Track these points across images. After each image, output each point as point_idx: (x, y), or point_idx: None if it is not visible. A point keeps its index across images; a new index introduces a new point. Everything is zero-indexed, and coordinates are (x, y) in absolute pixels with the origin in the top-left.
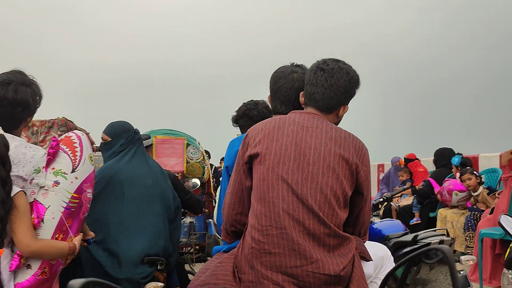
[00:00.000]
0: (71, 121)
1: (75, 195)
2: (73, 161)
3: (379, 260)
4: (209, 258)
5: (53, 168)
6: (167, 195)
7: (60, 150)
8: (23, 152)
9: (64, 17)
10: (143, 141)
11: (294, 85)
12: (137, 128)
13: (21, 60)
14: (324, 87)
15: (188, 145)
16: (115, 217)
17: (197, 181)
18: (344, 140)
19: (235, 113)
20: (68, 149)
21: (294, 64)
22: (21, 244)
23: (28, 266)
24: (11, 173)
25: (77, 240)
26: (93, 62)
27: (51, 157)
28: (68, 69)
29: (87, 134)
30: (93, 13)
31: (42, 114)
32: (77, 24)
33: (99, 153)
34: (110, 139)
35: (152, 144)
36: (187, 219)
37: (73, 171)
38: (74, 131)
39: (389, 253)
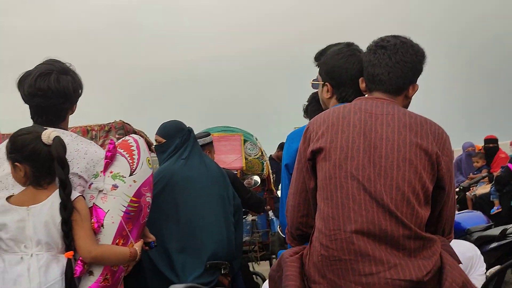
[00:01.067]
0: (129, 124)
1: (134, 198)
2: (131, 164)
3: (468, 260)
4: (273, 256)
5: (111, 172)
6: (226, 195)
7: (117, 154)
8: (76, 148)
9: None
10: (203, 139)
11: (362, 66)
12: (190, 126)
13: (92, 67)
14: (389, 66)
15: (245, 141)
16: (174, 220)
17: (257, 178)
18: (421, 127)
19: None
20: (126, 152)
21: (346, 43)
22: (82, 249)
23: (91, 273)
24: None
25: (138, 246)
26: (147, 64)
27: (109, 160)
28: (125, 73)
29: (145, 136)
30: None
31: (100, 118)
32: (134, 30)
33: (154, 155)
34: (165, 141)
35: (212, 142)
36: (249, 217)
37: (131, 174)
38: (131, 135)
39: (478, 252)
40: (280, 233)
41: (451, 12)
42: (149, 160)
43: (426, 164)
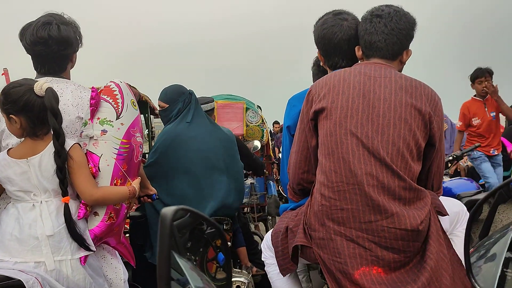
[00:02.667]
0: (134, 87)
1: (124, 140)
2: (116, 108)
3: (455, 215)
4: (269, 217)
5: (98, 118)
6: (230, 155)
7: (101, 100)
8: (80, 96)
9: None
10: (206, 104)
11: (351, 34)
12: (191, 89)
13: (96, 31)
14: (385, 33)
15: (247, 109)
16: (179, 178)
17: (257, 143)
18: (416, 89)
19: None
20: (109, 97)
21: (334, 12)
22: (84, 193)
23: (96, 214)
24: (73, 116)
25: (136, 184)
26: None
27: (94, 107)
28: (132, 33)
29: (149, 100)
30: None
31: (107, 79)
32: None
33: (159, 120)
34: (168, 105)
35: (214, 108)
36: (248, 180)
37: (117, 118)
38: (112, 80)
39: (465, 208)
40: (281, 192)
41: None
42: (133, 102)
43: (420, 123)
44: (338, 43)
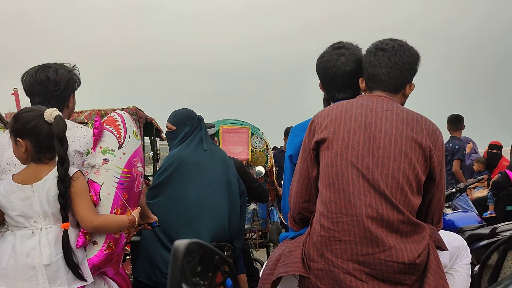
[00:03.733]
0: (141, 110)
1: (125, 169)
2: (118, 138)
3: (455, 250)
4: (271, 244)
5: (100, 147)
6: (233, 181)
7: (104, 130)
8: (76, 131)
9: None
10: (209, 130)
11: (346, 70)
12: (200, 115)
13: (108, 52)
14: (389, 67)
15: (252, 134)
16: (183, 202)
17: (261, 169)
18: (417, 123)
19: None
20: (112, 128)
21: (334, 46)
22: (84, 220)
23: (95, 243)
24: (70, 149)
25: (135, 213)
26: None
27: (97, 137)
28: (138, 61)
29: (156, 123)
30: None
31: (115, 103)
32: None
33: (165, 142)
34: (175, 128)
35: (216, 133)
36: (251, 206)
37: (119, 147)
38: (116, 111)
39: (465, 243)
40: (282, 220)
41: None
42: (135, 133)
43: (420, 157)
44: (332, 77)
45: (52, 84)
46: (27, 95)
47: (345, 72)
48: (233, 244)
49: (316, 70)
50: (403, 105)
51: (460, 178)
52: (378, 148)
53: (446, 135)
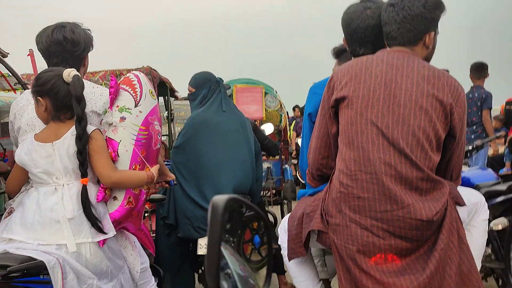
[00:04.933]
0: (155, 70)
1: (142, 127)
2: (134, 97)
3: (473, 206)
4: (285, 201)
5: (117, 106)
6: (250, 139)
7: (120, 89)
8: (92, 91)
9: None
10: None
11: (370, 23)
12: (219, 77)
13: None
14: (397, 22)
15: (266, 93)
16: (207, 159)
17: (268, 127)
18: (438, 79)
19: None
20: (128, 87)
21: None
22: (102, 176)
23: (115, 198)
24: (87, 109)
25: (154, 169)
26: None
27: (113, 95)
28: (155, 22)
29: (170, 83)
30: None
31: (130, 62)
32: None
33: (188, 102)
34: (194, 90)
35: (231, 95)
36: (265, 164)
37: (136, 105)
38: (131, 71)
39: (483, 199)
40: (299, 177)
41: None
42: (152, 92)
43: (440, 114)
44: (355, 30)
45: (70, 44)
46: (43, 56)
47: (368, 25)
48: (252, 196)
49: (341, 22)
50: (429, 56)
51: (488, 129)
52: (399, 105)
53: (467, 84)
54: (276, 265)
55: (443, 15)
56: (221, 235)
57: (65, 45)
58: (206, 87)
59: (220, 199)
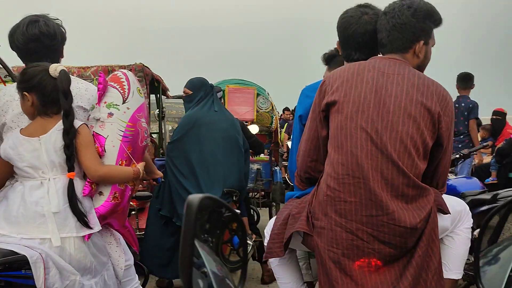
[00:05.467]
0: (148, 67)
1: (130, 123)
2: (122, 94)
3: (457, 214)
4: (273, 203)
5: (105, 102)
6: (239, 138)
7: (108, 86)
8: (77, 86)
9: None
10: (217, 93)
11: (367, 29)
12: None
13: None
14: (387, 30)
15: (258, 95)
16: (199, 155)
17: (253, 128)
18: (427, 88)
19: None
20: (116, 84)
21: (359, 4)
22: (89, 169)
23: (101, 193)
24: (73, 105)
25: (140, 166)
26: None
27: (101, 92)
28: (145, 21)
29: (162, 81)
30: None
31: (122, 59)
32: None
33: (179, 100)
34: (191, 92)
35: (222, 96)
36: (255, 166)
37: (124, 102)
38: (120, 69)
39: (467, 207)
40: (287, 179)
41: None
42: (139, 90)
43: (428, 122)
44: (352, 35)
45: (47, 39)
46: (20, 54)
47: (366, 31)
48: (241, 190)
49: (337, 26)
50: (422, 66)
51: (474, 139)
52: (388, 112)
53: (453, 94)
54: (260, 255)
55: (439, 27)
56: (194, 232)
57: (43, 40)
58: (202, 90)
59: (195, 197)
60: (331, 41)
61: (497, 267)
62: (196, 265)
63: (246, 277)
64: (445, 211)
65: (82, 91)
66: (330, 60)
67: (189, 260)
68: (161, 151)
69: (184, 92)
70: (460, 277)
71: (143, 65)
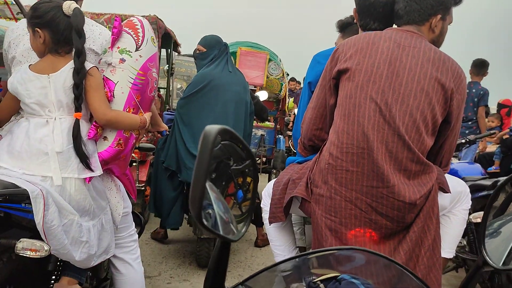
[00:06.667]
0: (161, 20)
1: (141, 72)
2: (136, 40)
3: (457, 194)
4: (274, 170)
5: (118, 47)
6: (249, 100)
7: (123, 31)
8: (91, 29)
9: None
10: None
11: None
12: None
13: None
14: (406, 1)
15: (270, 60)
16: (208, 115)
17: (260, 94)
18: (443, 63)
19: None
20: (131, 30)
21: None
22: (97, 112)
23: (105, 138)
24: (85, 46)
25: (147, 115)
26: None
27: (115, 36)
28: None
29: (174, 36)
30: None
31: (136, 9)
32: None
33: (190, 59)
34: (205, 50)
35: (233, 54)
36: (259, 132)
37: (137, 49)
38: (135, 16)
39: (468, 189)
40: (291, 146)
41: None
42: (153, 39)
43: (441, 98)
44: (373, 3)
45: None
46: None
47: (388, 1)
48: None
49: None
50: (437, 42)
51: (482, 126)
52: (400, 84)
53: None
54: (255, 218)
55: (458, 6)
56: (209, 162)
57: None
58: (217, 48)
59: (212, 128)
60: (341, 13)
61: (500, 239)
62: (203, 205)
63: (252, 217)
64: (446, 190)
65: (95, 34)
66: (345, 27)
67: (201, 191)
68: (167, 107)
69: (197, 49)
70: (452, 257)
71: (157, 17)
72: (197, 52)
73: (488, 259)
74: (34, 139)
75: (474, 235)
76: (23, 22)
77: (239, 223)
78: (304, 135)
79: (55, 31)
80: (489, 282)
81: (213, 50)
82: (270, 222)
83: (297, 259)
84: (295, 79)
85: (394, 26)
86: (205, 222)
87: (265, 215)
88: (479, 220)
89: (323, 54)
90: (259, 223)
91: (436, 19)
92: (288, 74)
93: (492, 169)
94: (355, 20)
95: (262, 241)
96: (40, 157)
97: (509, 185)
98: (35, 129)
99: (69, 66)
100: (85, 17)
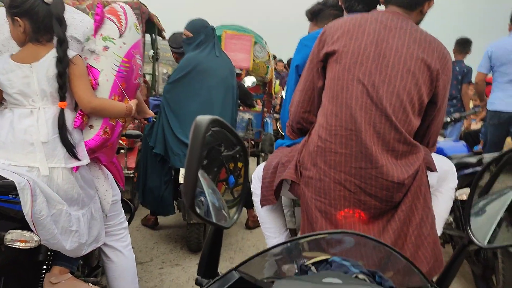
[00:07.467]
0: (145, 6)
1: (125, 59)
2: (119, 27)
3: (444, 173)
4: (262, 154)
5: (101, 35)
6: (235, 85)
7: (105, 18)
8: (72, 16)
9: None
10: None
11: None
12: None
13: None
14: None
15: (255, 43)
16: (194, 100)
17: (247, 80)
18: (429, 44)
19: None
20: (114, 17)
21: None
22: (82, 100)
23: (91, 127)
24: (66, 34)
25: (133, 103)
26: None
27: (98, 23)
28: None
29: (158, 21)
30: None
31: None
32: None
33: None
34: (192, 35)
35: (218, 38)
36: (246, 115)
37: (120, 36)
38: (117, 2)
39: (454, 168)
40: (279, 129)
41: None
42: (136, 26)
43: (427, 79)
44: None
45: None
46: None
47: None
48: None
49: None
50: (419, 23)
51: (466, 103)
52: (387, 66)
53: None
54: (246, 200)
55: None
56: (201, 152)
57: None
58: (203, 32)
59: (203, 118)
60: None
61: (484, 218)
62: (197, 194)
63: (244, 204)
64: (432, 169)
65: (77, 22)
66: (317, 14)
67: (194, 181)
68: (153, 93)
69: (184, 34)
70: (439, 234)
71: (140, 2)
72: (184, 37)
73: (473, 238)
74: (19, 129)
75: (460, 212)
76: (2, 11)
77: (231, 208)
78: (293, 118)
79: (34, 19)
80: (475, 256)
81: (199, 34)
82: (262, 205)
83: (288, 243)
84: (282, 61)
85: (379, 8)
86: (198, 210)
87: (256, 198)
88: (465, 197)
89: (309, 37)
90: (249, 205)
91: (429, 4)
92: (275, 57)
93: (479, 148)
94: (340, 3)
95: (253, 223)
96: (25, 148)
97: (494, 165)
98: (19, 119)
99: (52, 54)
100: (65, 4)
